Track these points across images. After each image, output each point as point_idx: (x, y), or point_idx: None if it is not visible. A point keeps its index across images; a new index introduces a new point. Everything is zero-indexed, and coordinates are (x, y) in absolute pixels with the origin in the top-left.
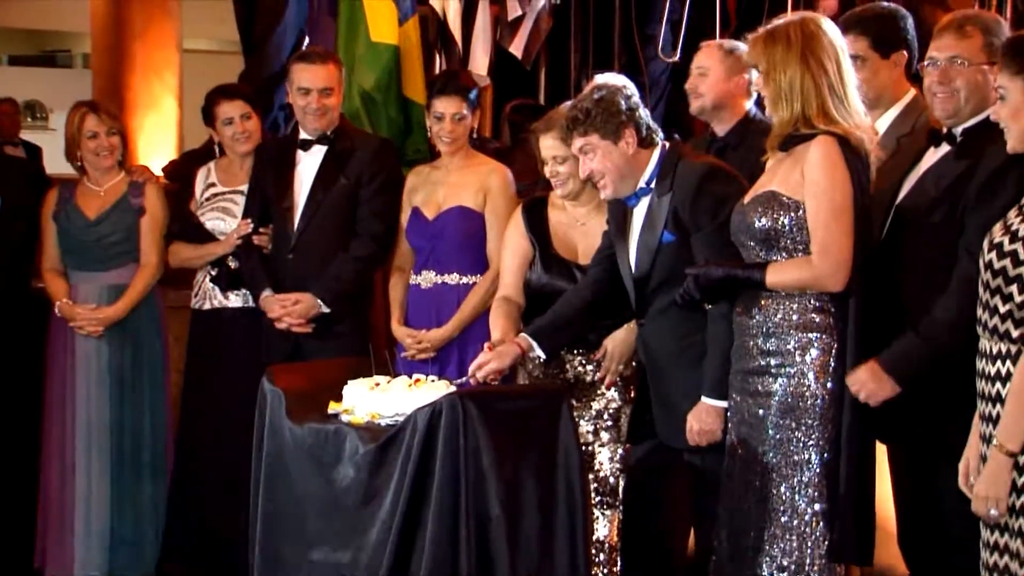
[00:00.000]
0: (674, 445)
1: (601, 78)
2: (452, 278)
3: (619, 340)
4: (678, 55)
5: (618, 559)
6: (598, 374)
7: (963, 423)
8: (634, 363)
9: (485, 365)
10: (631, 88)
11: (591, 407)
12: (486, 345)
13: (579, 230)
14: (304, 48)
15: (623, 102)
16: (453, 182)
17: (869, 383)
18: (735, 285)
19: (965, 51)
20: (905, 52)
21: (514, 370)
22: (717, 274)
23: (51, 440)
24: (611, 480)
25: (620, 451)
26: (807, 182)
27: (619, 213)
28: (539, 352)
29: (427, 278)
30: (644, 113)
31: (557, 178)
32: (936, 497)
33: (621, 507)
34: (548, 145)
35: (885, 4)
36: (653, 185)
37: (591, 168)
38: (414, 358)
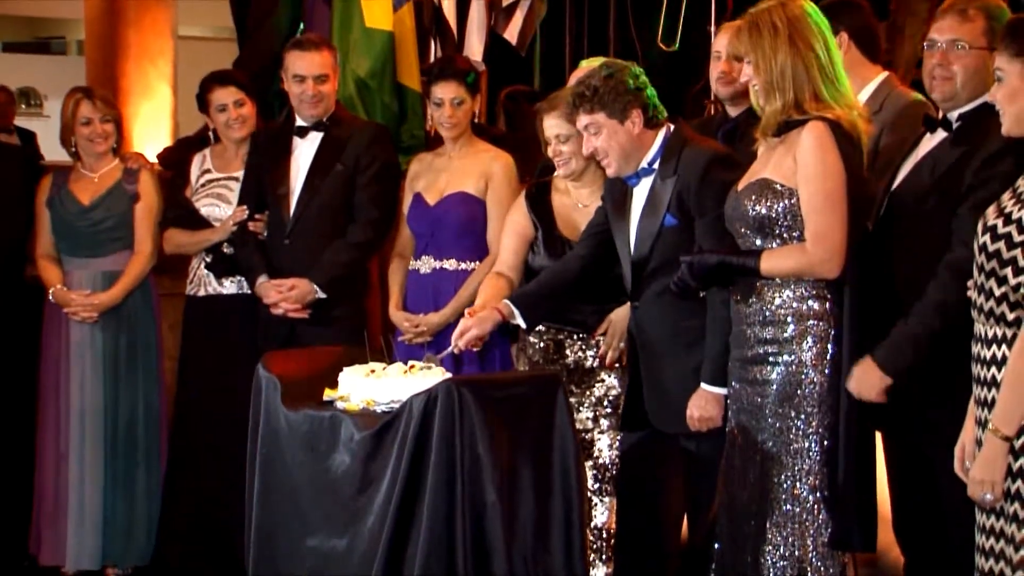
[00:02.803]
0: (666, 430)
1: (587, 63)
2: (451, 264)
3: (623, 316)
4: (677, 44)
5: (603, 546)
6: (600, 350)
7: (957, 408)
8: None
9: (466, 332)
10: (638, 67)
11: (591, 394)
12: (467, 311)
13: (582, 212)
14: (299, 35)
15: (631, 81)
16: (455, 168)
17: (861, 380)
18: (730, 272)
19: (967, 34)
20: (845, 34)
21: (498, 346)
22: (711, 261)
23: (45, 427)
24: (610, 467)
25: (618, 438)
26: (799, 168)
27: (618, 193)
28: (520, 320)
29: (426, 263)
30: (651, 93)
31: (560, 158)
32: (931, 483)
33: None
34: (551, 124)
35: None
36: (656, 166)
37: (595, 147)
38: (411, 342)
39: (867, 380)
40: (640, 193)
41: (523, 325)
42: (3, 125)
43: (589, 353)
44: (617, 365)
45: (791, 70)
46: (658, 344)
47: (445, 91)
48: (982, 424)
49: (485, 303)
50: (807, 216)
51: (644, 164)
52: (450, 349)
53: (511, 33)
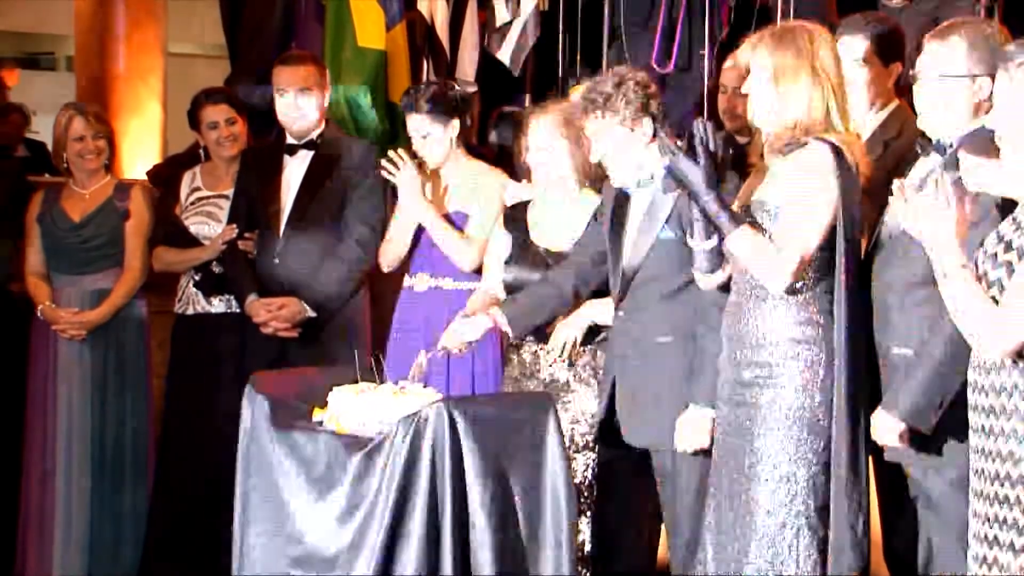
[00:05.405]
0: (634, 444)
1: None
2: (447, 283)
3: (575, 315)
4: (671, 66)
5: (582, 568)
6: (543, 346)
7: (949, 433)
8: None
9: (457, 334)
10: (649, 79)
11: (567, 411)
12: (459, 314)
13: (553, 225)
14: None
15: (642, 91)
16: (450, 187)
17: (877, 429)
18: (700, 206)
19: (947, 61)
20: (899, 65)
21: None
22: (696, 187)
23: (32, 444)
24: (585, 488)
25: (594, 458)
26: (791, 182)
27: (615, 202)
28: (508, 328)
29: (422, 281)
30: (660, 105)
31: (537, 159)
32: (921, 507)
33: (590, 514)
34: (536, 127)
35: (886, 15)
36: (659, 179)
37: (601, 153)
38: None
39: (881, 427)
40: (639, 203)
41: (511, 334)
42: (11, 145)
43: (564, 367)
44: (594, 381)
45: (808, 93)
46: (636, 354)
47: (411, 125)
48: (977, 452)
49: (476, 310)
50: (782, 226)
51: (647, 175)
52: (435, 351)
53: (504, 53)
